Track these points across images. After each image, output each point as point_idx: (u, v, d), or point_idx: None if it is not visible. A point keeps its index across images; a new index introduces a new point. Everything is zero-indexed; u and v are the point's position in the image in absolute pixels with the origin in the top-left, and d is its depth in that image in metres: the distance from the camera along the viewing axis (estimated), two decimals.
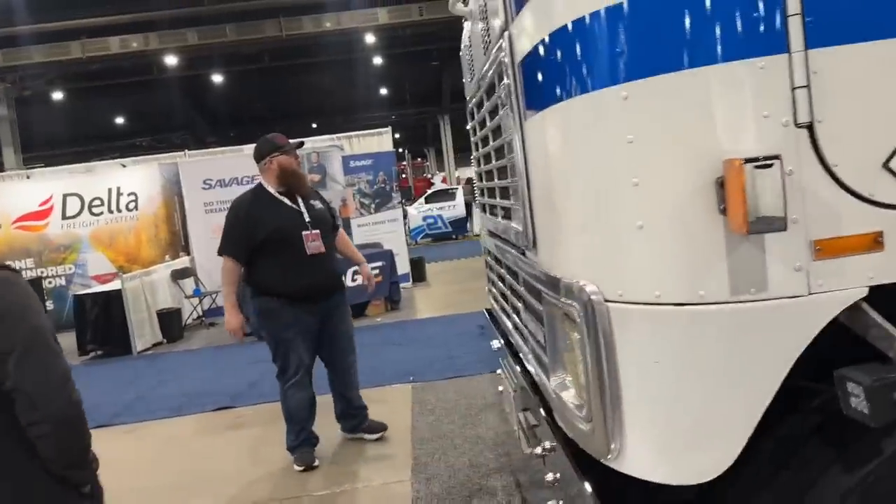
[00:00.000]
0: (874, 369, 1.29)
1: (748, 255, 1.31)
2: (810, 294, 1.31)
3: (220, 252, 4.21)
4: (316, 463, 4.27)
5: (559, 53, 1.56)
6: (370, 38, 19.35)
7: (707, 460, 1.40)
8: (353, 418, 4.59)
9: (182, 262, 10.46)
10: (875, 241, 1.30)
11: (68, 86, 21.18)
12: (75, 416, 1.66)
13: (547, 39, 1.61)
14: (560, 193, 1.64)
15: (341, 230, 4.68)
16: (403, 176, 26.11)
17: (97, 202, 10.92)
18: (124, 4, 16.52)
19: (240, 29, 17.42)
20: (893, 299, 1.32)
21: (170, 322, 9.22)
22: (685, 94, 1.32)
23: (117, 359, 8.40)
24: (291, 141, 4.29)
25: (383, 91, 29.51)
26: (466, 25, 3.10)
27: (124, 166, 11.96)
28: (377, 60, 22.89)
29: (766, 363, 1.33)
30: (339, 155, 11.08)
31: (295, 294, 4.10)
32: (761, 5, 1.27)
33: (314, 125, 29.65)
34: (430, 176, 31.44)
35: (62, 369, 1.65)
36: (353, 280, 7.78)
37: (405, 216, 16.68)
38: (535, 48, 1.68)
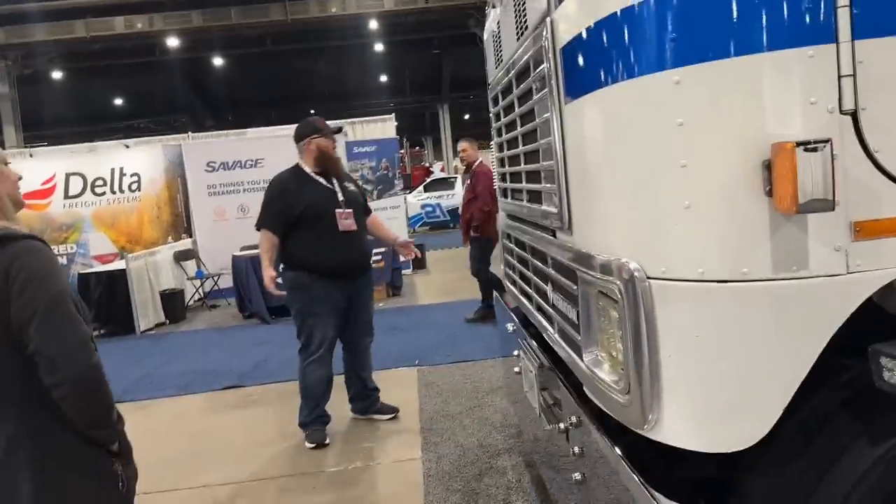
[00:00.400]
0: None
1: (791, 235, 1.38)
2: (849, 273, 1.38)
3: (259, 226, 4.34)
4: (327, 441, 4.36)
5: (607, 39, 1.61)
6: (373, 24, 19.32)
7: (743, 430, 1.47)
8: (367, 399, 4.68)
9: (184, 243, 10.50)
10: None
11: (69, 65, 21.11)
12: (94, 378, 1.71)
13: (594, 26, 1.66)
14: (602, 175, 1.70)
15: (374, 213, 4.82)
16: (402, 164, 26.10)
17: (100, 182, 10.91)
18: None
19: (245, 12, 17.39)
20: None
21: (172, 303, 9.28)
22: (736, 80, 1.38)
23: (121, 338, 8.45)
24: (330, 125, 4.46)
25: (383, 78, 29.47)
26: (493, 12, 3.15)
27: (127, 147, 11.95)
28: (378, 47, 22.87)
29: (804, 338, 1.40)
30: (343, 140, 11.09)
31: (327, 269, 4.21)
32: None
33: (312, 111, 29.58)
34: (428, 164, 31.43)
35: (82, 333, 1.71)
36: None
37: (404, 203, 16.70)
38: (580, 34, 1.74)
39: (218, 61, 22.53)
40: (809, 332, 1.40)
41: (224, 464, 4.28)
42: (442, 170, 28.45)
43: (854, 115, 1.35)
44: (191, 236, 10.72)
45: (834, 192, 1.27)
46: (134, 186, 10.99)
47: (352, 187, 4.45)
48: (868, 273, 1.38)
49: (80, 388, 1.67)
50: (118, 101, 27.80)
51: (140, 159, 11.15)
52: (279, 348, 7.10)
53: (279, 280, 4.32)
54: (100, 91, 25.36)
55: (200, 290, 10.14)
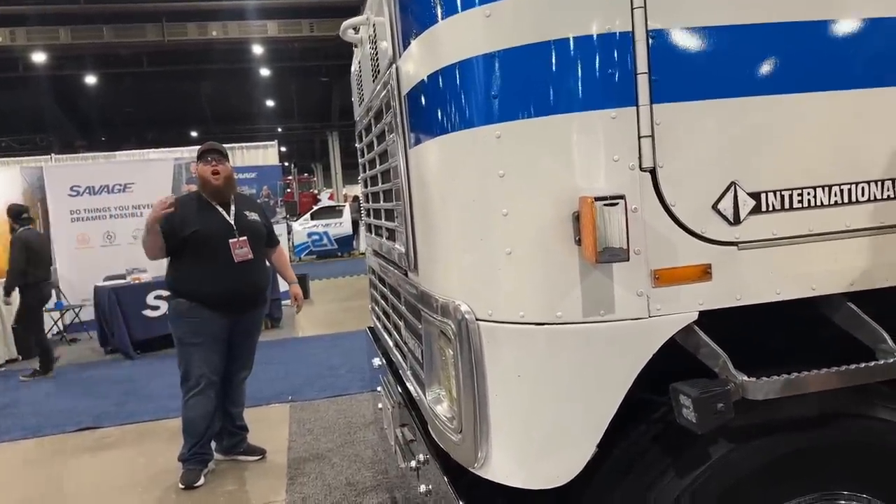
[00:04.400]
0: (702, 383, 1.49)
1: (598, 281, 1.48)
2: (650, 317, 1.50)
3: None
4: (200, 483, 4.16)
5: (441, 91, 1.68)
6: (258, 49, 19.01)
7: (559, 467, 1.54)
8: (233, 437, 4.51)
9: None
10: (704, 272, 1.51)
11: None
12: None
13: (430, 77, 1.73)
14: (439, 219, 1.76)
15: (281, 248, 4.76)
16: (289, 190, 25.65)
17: None
18: None
19: (117, 31, 16.60)
20: (719, 322, 1.54)
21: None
22: (549, 136, 1.48)
23: None
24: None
25: (270, 103, 28.97)
26: (357, 52, 3.20)
27: None
28: (265, 72, 22.50)
29: (612, 377, 1.50)
30: None
31: (211, 298, 4.07)
32: (615, 63, 1.46)
33: (194, 133, 28.61)
34: (316, 192, 31.05)
35: None
36: None
37: (289, 232, 16.39)
38: (420, 84, 1.80)
39: (90, 79, 21.34)
40: (617, 372, 1.50)
41: None
42: (330, 198, 28.19)
43: (653, 172, 1.48)
44: (51, 265, 9.99)
45: (629, 242, 1.38)
46: None
47: (252, 216, 4.36)
48: (668, 316, 1.50)
49: None
50: None
51: None
52: (141, 386, 6.73)
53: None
54: None
55: (59, 323, 9.46)
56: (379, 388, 3.30)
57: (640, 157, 1.46)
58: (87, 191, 9.86)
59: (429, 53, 1.73)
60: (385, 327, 3.09)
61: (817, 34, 1.54)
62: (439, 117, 1.70)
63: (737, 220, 1.51)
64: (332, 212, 20.49)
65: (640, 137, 1.46)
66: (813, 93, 1.53)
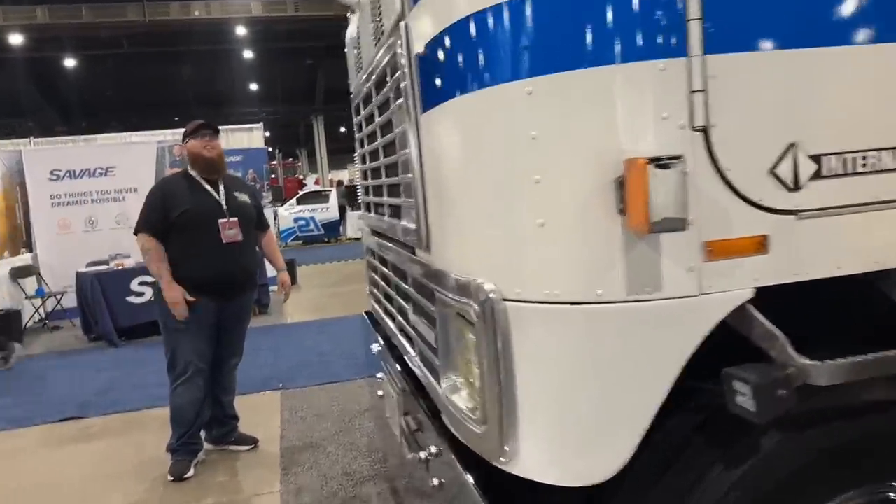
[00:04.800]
0: (759, 368, 1.34)
1: (644, 255, 1.31)
2: (701, 294, 1.33)
3: (136, 230, 4.00)
4: (189, 474, 4.00)
5: (461, 46, 1.51)
6: (241, 31, 18.62)
7: (598, 462, 1.39)
8: (223, 426, 4.34)
9: (23, 259, 9.51)
10: (761, 245, 1.35)
11: None
12: None
13: (448, 31, 1.55)
14: (458, 190, 1.59)
15: (270, 232, 4.64)
16: (273, 176, 25.29)
17: None
18: None
19: (96, 10, 16.15)
20: (776, 301, 1.38)
21: (7, 325, 8.31)
22: (588, 91, 1.31)
23: None
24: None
25: (253, 87, 28.50)
26: (354, 17, 3.01)
27: None
28: (248, 54, 22.09)
29: (659, 363, 1.35)
30: None
31: (199, 281, 3.90)
32: (663, 8, 1.29)
33: (176, 118, 28.11)
34: (302, 177, 30.68)
35: None
36: None
37: (276, 217, 16.13)
38: (435, 40, 1.62)
39: (69, 62, 20.82)
40: (664, 357, 1.34)
41: None
42: (316, 182, 27.84)
43: (705, 132, 1.31)
44: (31, 251, 9.73)
45: (686, 210, 1.22)
46: None
47: (243, 197, 4.18)
48: (720, 294, 1.34)
49: None
50: None
51: None
52: (126, 374, 6.54)
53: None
54: None
55: (41, 311, 9.21)
56: (379, 375, 3.14)
57: (691, 115, 1.30)
58: (68, 175, 9.58)
59: (445, 4, 1.56)
60: (386, 311, 2.93)
61: None
62: (459, 74, 1.53)
63: (796, 186, 1.35)
64: (319, 197, 20.24)
65: (691, 92, 1.30)
66: (883, 44, 1.36)
